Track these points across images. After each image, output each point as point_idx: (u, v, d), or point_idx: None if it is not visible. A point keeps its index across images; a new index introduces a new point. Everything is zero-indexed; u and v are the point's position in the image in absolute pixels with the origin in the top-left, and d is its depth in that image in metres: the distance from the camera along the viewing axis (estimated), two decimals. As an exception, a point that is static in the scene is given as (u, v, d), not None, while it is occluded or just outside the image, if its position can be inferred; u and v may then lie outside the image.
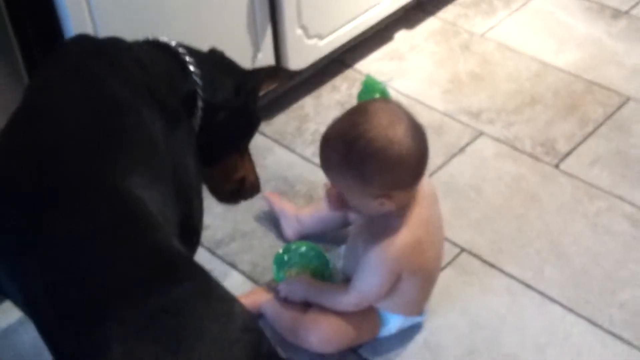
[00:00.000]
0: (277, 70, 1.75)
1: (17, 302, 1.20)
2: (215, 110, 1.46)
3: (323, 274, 1.72)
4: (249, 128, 1.60)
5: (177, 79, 1.41)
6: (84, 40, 1.42)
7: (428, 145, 1.49)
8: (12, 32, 1.57)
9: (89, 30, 1.63)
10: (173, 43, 1.45)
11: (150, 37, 1.47)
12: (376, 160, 1.44)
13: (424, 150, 1.49)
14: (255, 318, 1.06)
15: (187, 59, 1.43)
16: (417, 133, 1.47)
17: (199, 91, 1.42)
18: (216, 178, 1.59)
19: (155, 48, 1.43)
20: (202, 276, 1.08)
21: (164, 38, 1.46)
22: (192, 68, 1.42)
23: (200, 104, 1.43)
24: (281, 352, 1.14)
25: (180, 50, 1.43)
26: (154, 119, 1.28)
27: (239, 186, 1.63)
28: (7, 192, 1.15)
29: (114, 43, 1.40)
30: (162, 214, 1.17)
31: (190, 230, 1.35)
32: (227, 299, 1.06)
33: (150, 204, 1.15)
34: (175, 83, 1.40)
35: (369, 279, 1.56)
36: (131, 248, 1.08)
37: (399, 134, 1.44)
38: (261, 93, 1.70)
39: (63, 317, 1.04)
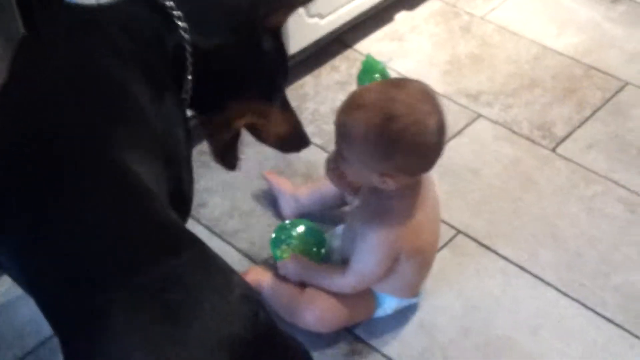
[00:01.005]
0: None
1: (15, 278, 1.21)
2: (208, 59, 1.41)
3: (319, 252, 1.73)
4: (262, 69, 1.49)
5: (165, 39, 1.37)
6: (72, 9, 1.40)
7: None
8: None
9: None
10: None
11: None
12: (408, 143, 1.43)
13: (443, 146, 1.49)
14: (253, 289, 1.07)
15: (175, 12, 1.37)
16: (444, 128, 1.47)
17: (187, 46, 1.38)
18: (215, 124, 1.51)
19: (142, 7, 1.38)
20: (200, 247, 1.09)
21: None
22: (179, 23, 1.37)
23: (189, 58, 1.39)
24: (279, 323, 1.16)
25: (167, 3, 1.38)
26: (143, 90, 1.27)
27: (236, 140, 1.56)
28: (6, 167, 1.16)
29: (102, 12, 1.37)
30: (155, 187, 1.18)
31: (180, 199, 1.35)
32: (225, 270, 1.07)
33: (145, 177, 1.16)
34: (162, 45, 1.37)
35: (366, 260, 1.57)
36: (131, 219, 1.09)
37: (432, 124, 1.44)
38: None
39: (65, 285, 1.05)
